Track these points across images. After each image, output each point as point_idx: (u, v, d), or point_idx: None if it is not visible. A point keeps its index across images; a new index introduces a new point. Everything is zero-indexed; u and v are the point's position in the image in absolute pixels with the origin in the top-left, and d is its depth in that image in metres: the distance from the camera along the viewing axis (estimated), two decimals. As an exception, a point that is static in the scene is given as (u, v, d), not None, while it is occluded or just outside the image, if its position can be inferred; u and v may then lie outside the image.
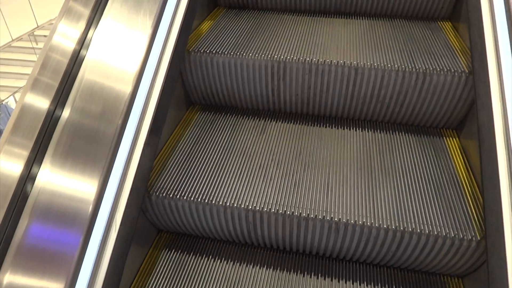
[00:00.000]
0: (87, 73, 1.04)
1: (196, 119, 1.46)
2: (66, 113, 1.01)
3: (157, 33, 1.17)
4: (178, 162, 1.25)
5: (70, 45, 1.03)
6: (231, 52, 1.37)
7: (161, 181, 1.18)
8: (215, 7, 1.77)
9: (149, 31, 1.13)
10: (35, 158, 0.94)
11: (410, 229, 1.03)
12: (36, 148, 0.93)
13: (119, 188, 0.98)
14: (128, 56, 1.09)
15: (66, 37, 1.03)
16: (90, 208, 0.92)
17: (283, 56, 1.34)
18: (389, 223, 1.05)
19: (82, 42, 1.04)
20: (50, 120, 0.97)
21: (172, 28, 1.24)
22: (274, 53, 1.36)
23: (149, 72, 1.11)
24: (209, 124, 1.44)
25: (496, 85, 1.06)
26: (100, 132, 1.00)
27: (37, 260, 0.87)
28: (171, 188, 1.15)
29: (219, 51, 1.37)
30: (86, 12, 1.08)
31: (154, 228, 1.31)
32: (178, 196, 1.13)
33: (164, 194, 1.13)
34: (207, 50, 1.38)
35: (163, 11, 1.22)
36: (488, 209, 0.98)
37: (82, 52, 1.06)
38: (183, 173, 1.21)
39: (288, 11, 1.73)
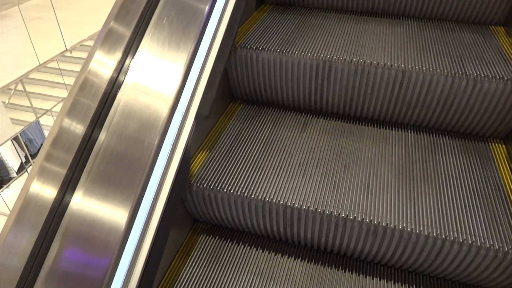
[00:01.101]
0: (126, 93, 1.00)
1: (238, 113, 1.48)
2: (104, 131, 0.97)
3: (205, 32, 1.18)
4: (220, 155, 1.27)
5: (109, 68, 0.98)
6: (277, 49, 1.38)
7: (202, 172, 1.20)
8: (262, 3, 1.78)
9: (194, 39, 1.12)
10: (72, 177, 0.89)
11: (451, 238, 1.01)
12: (73, 168, 0.89)
13: (160, 181, 0.98)
14: (168, 71, 1.08)
15: (106, 60, 0.99)
16: (134, 198, 0.94)
17: (329, 56, 1.33)
18: (430, 230, 1.03)
19: (122, 64, 0.99)
20: (88, 140, 0.93)
21: (222, 23, 1.25)
22: (319, 52, 1.36)
23: (197, 64, 1.13)
24: (251, 119, 1.45)
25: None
26: (144, 124, 1.02)
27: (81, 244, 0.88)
28: (211, 179, 1.17)
29: (265, 47, 1.38)
30: (126, 33, 1.02)
31: (191, 218, 1.33)
32: (218, 188, 1.15)
33: (204, 185, 1.16)
34: (253, 46, 1.39)
35: (211, 12, 1.22)
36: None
37: (121, 75, 1.01)
38: (224, 165, 1.23)
39: (334, 10, 1.72)
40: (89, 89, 0.95)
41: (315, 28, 1.55)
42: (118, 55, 0.99)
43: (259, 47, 1.38)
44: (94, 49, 0.98)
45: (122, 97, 0.97)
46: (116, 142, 0.94)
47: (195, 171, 1.21)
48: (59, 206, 0.86)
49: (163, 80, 1.00)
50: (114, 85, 0.97)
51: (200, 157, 1.26)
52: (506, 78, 1.20)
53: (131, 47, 1.02)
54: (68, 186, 0.87)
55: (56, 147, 0.89)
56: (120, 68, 0.99)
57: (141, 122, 0.95)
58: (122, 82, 1.00)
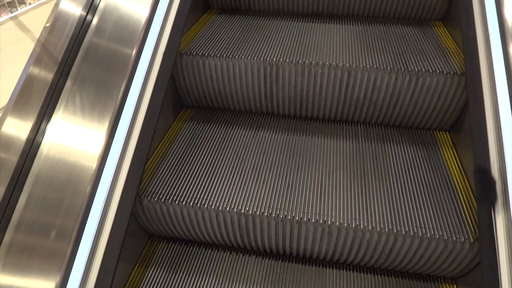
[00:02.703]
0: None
1: (189, 122, 1.45)
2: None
3: (147, 36, 1.17)
4: (170, 166, 1.24)
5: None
6: (224, 54, 1.36)
7: (152, 185, 1.17)
8: (207, 10, 1.76)
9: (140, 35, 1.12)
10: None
11: (403, 232, 1.03)
12: None
13: (109, 193, 0.97)
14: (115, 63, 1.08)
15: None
16: (80, 214, 0.91)
17: (276, 59, 1.33)
18: (382, 226, 1.04)
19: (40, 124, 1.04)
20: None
21: (164, 30, 1.24)
22: (266, 55, 1.35)
23: (140, 71, 1.11)
24: (202, 126, 1.43)
25: (487, 86, 1.05)
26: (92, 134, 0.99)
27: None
28: (162, 192, 1.14)
29: (211, 53, 1.36)
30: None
31: (145, 233, 1.29)
32: (169, 201, 1.12)
33: (155, 199, 1.12)
34: (199, 52, 1.37)
35: (154, 13, 1.21)
36: (481, 211, 0.98)
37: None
38: (175, 176, 1.20)
39: (281, 13, 1.73)
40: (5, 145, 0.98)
41: (262, 32, 1.55)
42: (32, 117, 1.03)
43: (205, 53, 1.36)
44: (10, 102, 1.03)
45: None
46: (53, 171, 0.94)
47: (146, 184, 1.17)
48: None
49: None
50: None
51: (151, 169, 1.23)
52: (445, 72, 1.24)
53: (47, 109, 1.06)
54: None
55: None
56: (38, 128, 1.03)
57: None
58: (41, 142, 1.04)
